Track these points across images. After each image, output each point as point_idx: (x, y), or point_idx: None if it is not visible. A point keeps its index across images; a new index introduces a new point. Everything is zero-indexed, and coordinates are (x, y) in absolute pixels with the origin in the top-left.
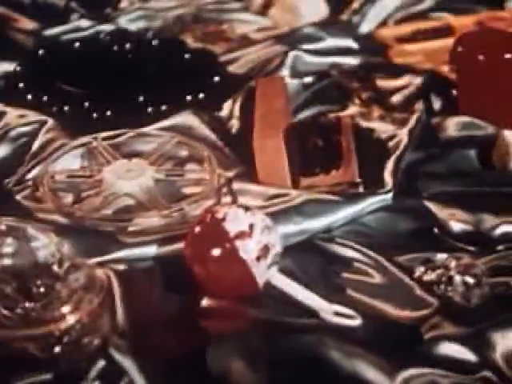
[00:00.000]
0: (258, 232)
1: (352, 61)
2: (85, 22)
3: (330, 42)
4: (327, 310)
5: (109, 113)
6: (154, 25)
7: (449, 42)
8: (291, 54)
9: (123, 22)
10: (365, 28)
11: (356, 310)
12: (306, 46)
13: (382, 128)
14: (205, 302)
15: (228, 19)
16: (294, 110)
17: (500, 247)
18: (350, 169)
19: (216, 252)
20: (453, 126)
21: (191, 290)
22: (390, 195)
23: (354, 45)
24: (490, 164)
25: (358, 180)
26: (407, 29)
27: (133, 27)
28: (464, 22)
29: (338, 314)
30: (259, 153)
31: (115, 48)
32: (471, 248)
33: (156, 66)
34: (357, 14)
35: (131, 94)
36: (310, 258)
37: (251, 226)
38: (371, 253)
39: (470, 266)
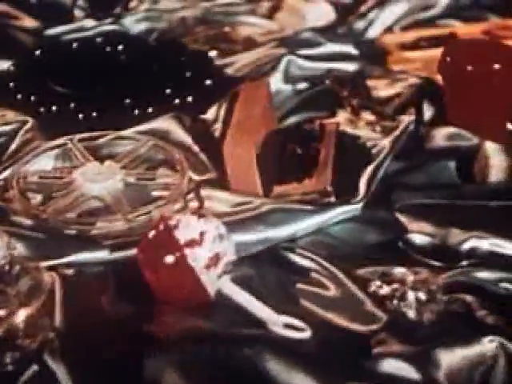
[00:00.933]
0: (208, 240)
1: (350, 67)
2: (90, 22)
3: (329, 47)
4: (276, 321)
5: (94, 114)
6: (158, 26)
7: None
8: (285, 59)
9: (128, 22)
10: (371, 33)
11: (307, 322)
12: (302, 51)
13: (369, 136)
14: (155, 309)
15: (234, 22)
16: (283, 116)
17: (464, 263)
18: (322, 178)
19: (166, 259)
20: (440, 136)
21: (142, 295)
22: (360, 205)
23: (353, 51)
24: (471, 176)
25: (330, 189)
26: (411, 36)
27: (138, 28)
28: (470, 31)
29: (287, 325)
30: (229, 160)
31: (108, 49)
32: (435, 263)
33: (148, 68)
34: (363, 19)
35: (119, 95)
36: (269, 268)
37: (202, 234)
38: (328, 264)
39: (426, 282)
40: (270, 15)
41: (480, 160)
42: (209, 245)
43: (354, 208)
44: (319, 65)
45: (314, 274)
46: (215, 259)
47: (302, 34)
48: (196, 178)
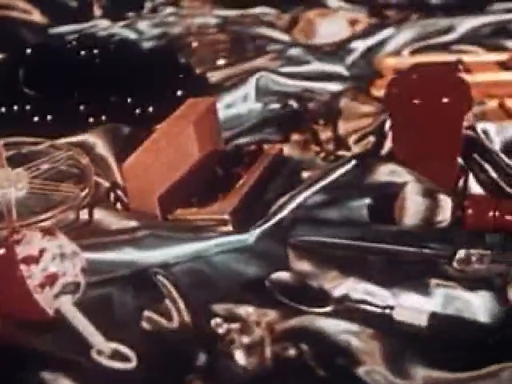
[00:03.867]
0: (47, 259)
1: (332, 87)
2: (104, 23)
3: (316, 66)
4: (104, 348)
5: (49, 118)
6: (170, 31)
7: None
8: (257, 76)
9: (143, 26)
10: (375, 54)
11: (137, 351)
12: (283, 68)
13: (312, 164)
14: None
15: (250, 33)
16: (236, 135)
17: (328, 308)
18: (225, 205)
19: (3, 273)
20: (383, 171)
21: None
22: (249, 236)
23: (343, 71)
24: (388, 216)
25: (227, 217)
26: (410, 61)
27: (151, 33)
28: (480, 60)
29: (114, 353)
30: (128, 180)
31: (82, 53)
32: (296, 305)
33: (119, 75)
34: (374, 37)
35: (78, 101)
36: (127, 291)
37: (41, 252)
38: (178, 295)
39: (266, 325)
40: (289, 29)
41: (399, 200)
42: (46, 263)
43: (242, 238)
44: (298, 83)
45: (167, 302)
46: (52, 278)
47: (291, 50)
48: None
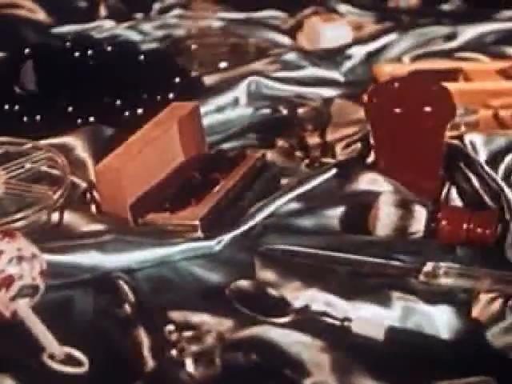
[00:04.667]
0: (3, 261)
1: (325, 93)
2: (108, 23)
3: (310, 71)
4: (57, 352)
5: (38, 118)
6: (174, 33)
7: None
8: (248, 80)
9: (147, 27)
10: (375, 60)
11: (90, 356)
12: (277, 73)
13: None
14: None
15: (254, 36)
16: (222, 140)
17: (286, 319)
18: (197, 210)
19: None
20: (364, 180)
21: None
22: (216, 243)
23: (339, 77)
24: (362, 226)
25: (196, 223)
26: (407, 68)
27: (156, 34)
28: (481, 68)
29: (67, 358)
30: (99, 183)
31: (77, 54)
32: (254, 315)
33: (112, 77)
34: (375, 43)
35: (68, 102)
36: (90, 295)
37: None
38: (135, 300)
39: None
40: (294, 33)
41: (373, 210)
42: (3, 265)
43: (208, 245)
44: (291, 88)
45: (126, 308)
46: (8, 280)
47: (287, 54)
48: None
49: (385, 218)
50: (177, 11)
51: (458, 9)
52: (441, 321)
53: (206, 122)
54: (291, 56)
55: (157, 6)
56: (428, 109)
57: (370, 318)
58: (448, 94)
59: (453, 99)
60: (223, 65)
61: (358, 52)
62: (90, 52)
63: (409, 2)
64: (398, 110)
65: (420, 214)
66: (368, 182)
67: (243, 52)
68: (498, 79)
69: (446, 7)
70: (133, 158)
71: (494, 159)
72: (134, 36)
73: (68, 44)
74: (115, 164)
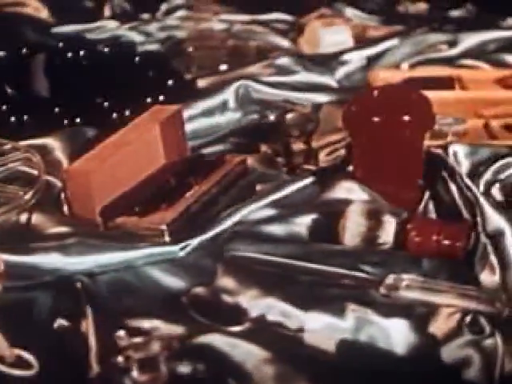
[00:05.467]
0: None
1: (318, 98)
2: (112, 23)
3: (303, 76)
4: (8, 354)
5: (25, 118)
6: (177, 35)
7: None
8: (241, 83)
9: (152, 28)
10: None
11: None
12: (271, 78)
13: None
14: None
15: (257, 39)
16: (208, 143)
17: (240, 328)
18: (166, 214)
19: None
20: (340, 188)
21: None
22: (178, 248)
23: (331, 82)
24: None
25: (163, 228)
26: (402, 75)
27: (159, 35)
28: (479, 77)
29: (18, 359)
30: (69, 186)
31: (69, 55)
32: (208, 323)
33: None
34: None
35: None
36: (49, 297)
37: None
38: (93, 304)
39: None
40: (296, 38)
41: (343, 219)
42: None
43: (172, 250)
44: (281, 93)
45: (82, 311)
46: None
47: (280, 59)
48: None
49: (353, 228)
50: (181, 12)
51: (467, 15)
52: (396, 335)
53: (194, 125)
54: (284, 60)
55: (164, 7)
56: (406, 118)
57: (322, 330)
58: (427, 102)
59: (432, 108)
60: (223, 67)
61: (356, 57)
62: (82, 53)
63: (418, 7)
64: (376, 119)
65: (389, 225)
66: (344, 190)
67: (243, 55)
68: (495, 88)
69: (455, 13)
70: (104, 161)
71: (476, 171)
72: (136, 37)
73: (60, 45)
74: (85, 166)
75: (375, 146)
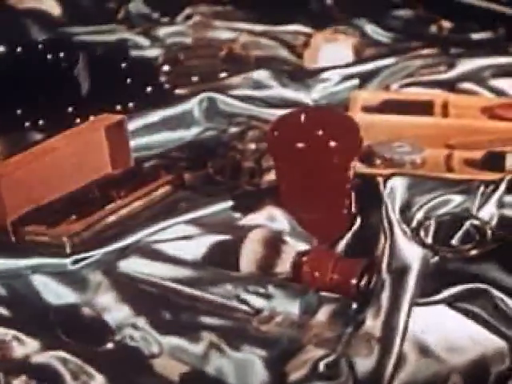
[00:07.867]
0: None
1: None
2: (119, 27)
3: (276, 91)
4: None
5: None
6: (184, 41)
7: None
8: (205, 95)
9: (159, 33)
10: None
11: None
12: (242, 91)
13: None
14: None
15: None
16: (157, 155)
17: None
18: (73, 226)
19: None
20: (262, 215)
21: None
22: (68, 261)
23: (307, 99)
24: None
25: (65, 240)
26: (382, 96)
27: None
28: (465, 103)
29: None
30: None
31: (49, 56)
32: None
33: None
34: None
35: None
36: None
37: None
38: None
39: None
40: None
41: (242, 246)
42: None
43: (62, 263)
44: (250, 108)
45: None
46: None
47: (257, 73)
48: None
49: (248, 255)
50: (195, 18)
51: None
52: (249, 370)
53: (148, 136)
54: (261, 74)
55: (185, 13)
56: (332, 144)
57: (173, 357)
58: (355, 127)
59: (359, 133)
60: (223, 75)
61: (337, 75)
62: (61, 55)
63: (441, 27)
64: (300, 145)
65: (287, 256)
66: (265, 216)
67: (241, 65)
68: (478, 117)
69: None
70: (20, 166)
71: (410, 206)
72: (143, 41)
73: (41, 46)
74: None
75: (300, 172)
